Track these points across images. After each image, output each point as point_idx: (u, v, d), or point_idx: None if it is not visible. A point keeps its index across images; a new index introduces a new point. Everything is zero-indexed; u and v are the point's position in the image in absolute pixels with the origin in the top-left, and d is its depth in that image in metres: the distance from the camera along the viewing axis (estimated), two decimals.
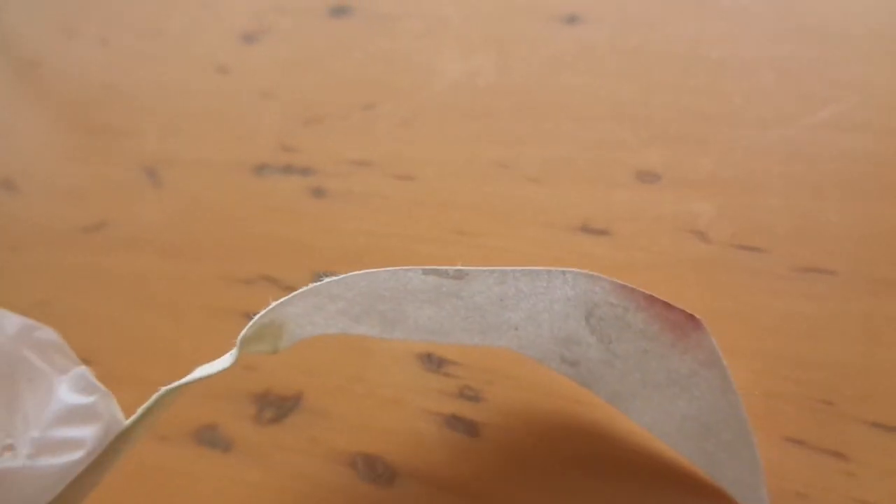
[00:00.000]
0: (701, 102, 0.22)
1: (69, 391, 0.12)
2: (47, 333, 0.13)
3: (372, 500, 0.16)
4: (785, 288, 0.18)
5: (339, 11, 0.28)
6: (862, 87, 0.21)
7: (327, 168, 0.23)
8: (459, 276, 0.14)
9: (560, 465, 0.16)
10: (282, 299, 0.14)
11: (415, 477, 0.16)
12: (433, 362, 0.18)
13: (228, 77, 0.27)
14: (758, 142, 0.20)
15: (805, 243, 0.18)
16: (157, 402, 0.13)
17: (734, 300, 0.18)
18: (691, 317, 0.13)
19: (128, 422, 0.13)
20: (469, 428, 0.17)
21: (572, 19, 0.25)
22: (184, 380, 0.13)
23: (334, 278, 0.14)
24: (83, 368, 0.13)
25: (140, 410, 0.13)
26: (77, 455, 0.12)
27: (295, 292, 0.14)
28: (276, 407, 0.18)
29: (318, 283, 0.14)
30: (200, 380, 0.13)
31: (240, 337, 0.14)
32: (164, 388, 0.13)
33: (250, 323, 0.14)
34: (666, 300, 0.13)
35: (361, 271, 0.14)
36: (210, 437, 0.18)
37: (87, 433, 0.12)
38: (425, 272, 0.13)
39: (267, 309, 0.14)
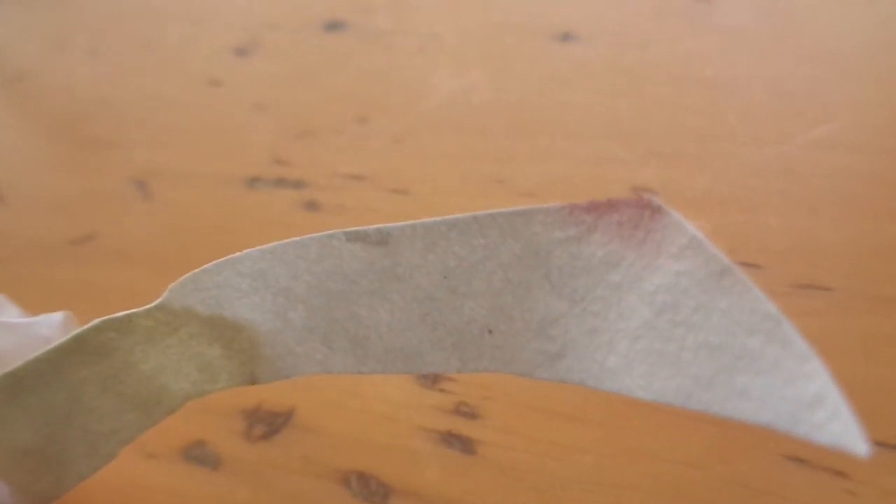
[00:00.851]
0: (696, 120, 0.22)
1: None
2: None
3: None
4: (782, 304, 0.18)
5: (333, 26, 0.28)
6: (856, 106, 0.21)
7: (320, 182, 0.23)
8: (383, 239, 0.12)
9: (559, 484, 0.16)
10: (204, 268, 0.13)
11: (410, 495, 0.16)
12: (429, 378, 0.18)
13: (221, 90, 0.27)
14: (753, 159, 0.21)
15: (801, 260, 0.18)
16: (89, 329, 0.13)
17: None
18: (645, 202, 0.11)
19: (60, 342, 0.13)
20: (465, 445, 0.17)
21: (567, 37, 0.25)
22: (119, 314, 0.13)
23: (255, 251, 0.13)
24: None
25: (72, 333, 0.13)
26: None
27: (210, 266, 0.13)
28: (267, 423, 0.18)
29: (235, 256, 0.13)
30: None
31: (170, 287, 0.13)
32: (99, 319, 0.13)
33: (180, 280, 0.13)
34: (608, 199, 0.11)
35: (284, 241, 0.13)
36: (198, 455, 0.18)
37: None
38: (349, 238, 0.12)
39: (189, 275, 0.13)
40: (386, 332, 0.13)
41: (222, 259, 0.13)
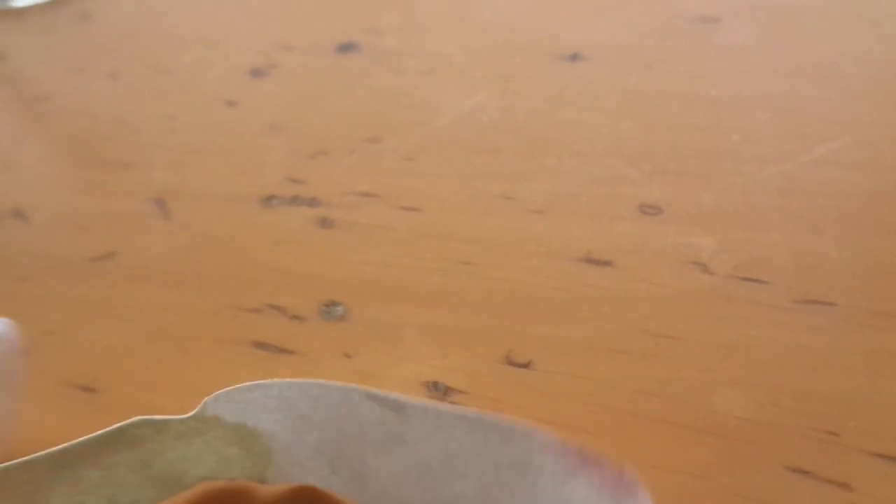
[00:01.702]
0: (701, 139, 0.22)
1: None
2: None
3: None
4: (786, 319, 0.18)
5: (346, 48, 0.29)
6: (857, 125, 0.21)
7: (334, 200, 0.23)
8: (398, 408, 0.14)
9: None
10: (235, 388, 0.15)
11: None
12: (440, 390, 0.18)
13: (236, 111, 0.27)
14: (757, 177, 0.21)
15: (804, 276, 0.19)
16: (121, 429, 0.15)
17: (736, 331, 0.18)
18: (627, 474, 0.13)
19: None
20: None
21: (574, 58, 0.26)
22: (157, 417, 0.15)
23: (284, 381, 0.15)
24: None
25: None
26: None
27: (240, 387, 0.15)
28: None
29: (266, 382, 0.15)
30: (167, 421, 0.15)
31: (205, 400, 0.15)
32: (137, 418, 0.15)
33: (220, 392, 0.15)
34: (599, 455, 0.13)
35: (310, 381, 0.15)
36: None
37: None
38: (368, 397, 0.14)
39: (225, 391, 0.15)
40: (384, 480, 0.15)
41: (254, 382, 0.15)
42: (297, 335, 0.20)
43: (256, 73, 0.28)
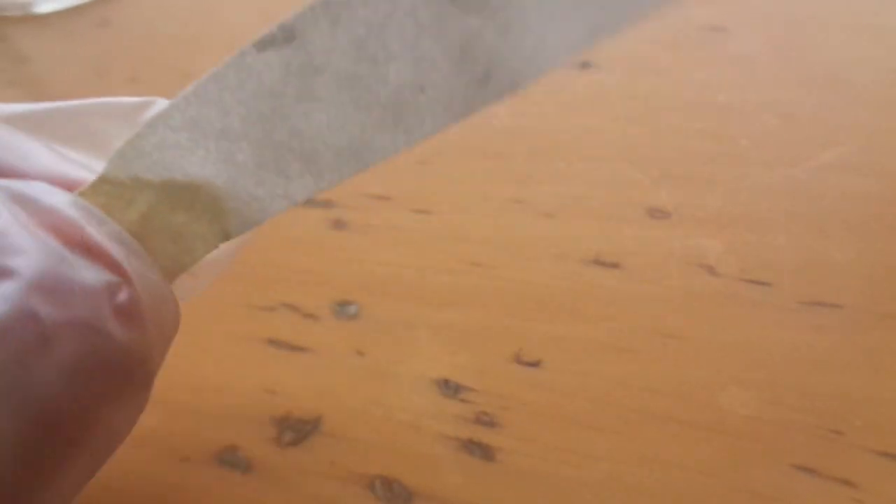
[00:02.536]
0: (708, 144, 0.23)
1: None
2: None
3: None
4: (792, 320, 0.18)
5: None
6: (863, 131, 0.22)
7: (347, 202, 0.24)
8: (289, 34, 0.12)
9: (575, 490, 0.16)
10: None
11: (432, 499, 0.17)
12: (450, 388, 0.18)
13: None
14: (763, 182, 0.21)
15: (811, 278, 0.19)
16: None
17: (743, 332, 0.18)
18: None
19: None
20: (485, 452, 0.17)
21: (585, 65, 0.26)
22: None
23: (178, 98, 0.12)
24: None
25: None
26: None
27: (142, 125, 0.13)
28: (296, 430, 0.19)
29: (161, 110, 0.13)
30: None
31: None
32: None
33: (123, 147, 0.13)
34: None
35: (201, 79, 0.13)
36: (231, 459, 0.18)
37: None
38: (258, 48, 0.12)
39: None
40: (329, 136, 0.13)
41: (149, 118, 0.13)
42: (310, 333, 0.20)
43: None
